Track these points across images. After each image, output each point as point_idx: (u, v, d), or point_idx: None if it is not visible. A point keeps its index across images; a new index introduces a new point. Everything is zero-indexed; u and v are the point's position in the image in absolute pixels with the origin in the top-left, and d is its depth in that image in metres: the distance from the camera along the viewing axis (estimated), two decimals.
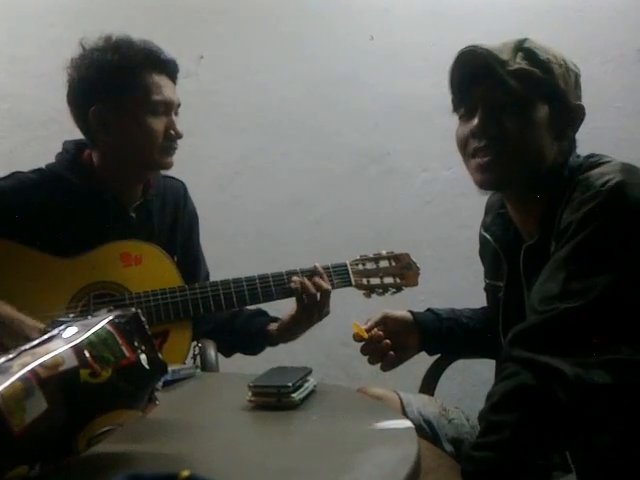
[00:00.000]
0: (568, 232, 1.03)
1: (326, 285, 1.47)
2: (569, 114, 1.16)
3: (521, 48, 1.14)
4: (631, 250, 1.00)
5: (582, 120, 1.18)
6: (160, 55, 1.47)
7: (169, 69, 1.49)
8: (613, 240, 1.01)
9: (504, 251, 1.25)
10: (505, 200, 1.25)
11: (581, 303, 0.97)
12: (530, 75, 1.11)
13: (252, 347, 1.62)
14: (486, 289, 1.37)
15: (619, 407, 0.97)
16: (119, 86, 1.43)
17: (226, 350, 1.63)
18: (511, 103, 1.12)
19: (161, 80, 1.46)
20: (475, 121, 1.14)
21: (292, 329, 1.53)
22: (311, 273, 1.50)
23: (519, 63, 1.12)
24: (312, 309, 1.48)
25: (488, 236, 1.30)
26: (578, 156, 1.18)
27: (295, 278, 1.48)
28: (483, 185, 1.18)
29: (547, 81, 1.13)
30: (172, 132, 1.47)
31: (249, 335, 1.58)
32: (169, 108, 1.47)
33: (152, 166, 1.51)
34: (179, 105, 1.51)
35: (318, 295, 1.46)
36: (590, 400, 0.93)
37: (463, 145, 1.18)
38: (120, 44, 1.45)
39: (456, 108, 1.21)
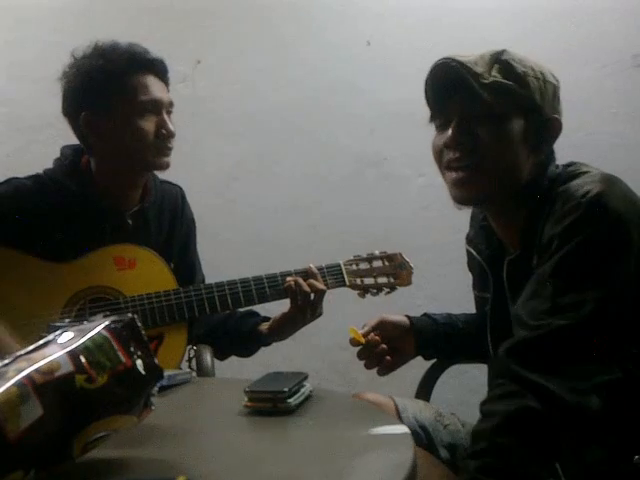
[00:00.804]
0: (552, 246, 1.03)
1: (320, 285, 1.48)
2: (545, 128, 1.15)
3: (497, 60, 1.13)
4: (616, 261, 1.00)
5: (558, 133, 1.16)
6: (145, 55, 1.47)
7: (156, 69, 1.49)
8: (598, 253, 1.00)
9: (488, 264, 1.25)
10: (486, 213, 1.25)
11: (575, 320, 0.96)
12: (505, 88, 1.10)
13: (245, 348, 1.62)
14: (475, 300, 1.37)
15: (610, 424, 0.97)
16: (105, 90, 1.44)
17: (220, 353, 1.63)
18: (485, 116, 1.10)
19: (148, 80, 1.46)
20: (449, 132, 1.13)
21: (284, 328, 1.54)
22: (305, 273, 1.50)
23: (494, 76, 1.10)
24: (305, 309, 1.48)
25: (472, 249, 1.30)
26: (557, 166, 1.17)
27: (289, 277, 1.49)
28: (459, 201, 1.17)
29: (523, 94, 1.11)
30: (164, 131, 1.46)
31: (241, 336, 1.59)
32: (158, 107, 1.47)
33: (147, 167, 1.51)
34: (171, 104, 1.50)
35: (312, 295, 1.47)
36: (585, 424, 0.94)
37: (438, 156, 1.18)
38: (105, 49, 1.46)
39: (433, 118, 1.20)
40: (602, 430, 0.97)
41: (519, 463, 0.90)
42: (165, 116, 1.48)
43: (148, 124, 1.45)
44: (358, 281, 1.56)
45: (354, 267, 1.57)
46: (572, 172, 1.12)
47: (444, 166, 1.17)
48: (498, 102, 1.10)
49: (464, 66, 1.11)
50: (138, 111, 1.44)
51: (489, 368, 1.30)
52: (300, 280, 1.48)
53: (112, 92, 1.44)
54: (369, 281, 1.57)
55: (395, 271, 1.58)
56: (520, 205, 1.15)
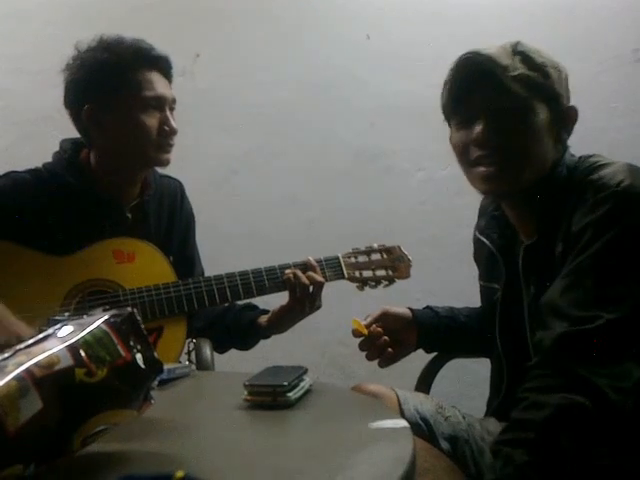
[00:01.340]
0: (585, 235, 1.02)
1: (318, 278, 1.48)
2: (565, 117, 1.16)
3: (517, 52, 1.13)
4: None
5: (576, 121, 1.17)
6: (150, 51, 1.47)
7: (161, 65, 1.48)
8: (635, 243, 1.00)
9: (501, 253, 1.25)
10: (503, 203, 1.24)
11: (622, 312, 0.96)
12: (531, 79, 1.10)
13: (244, 341, 1.62)
14: (481, 291, 1.37)
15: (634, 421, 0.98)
16: (110, 84, 1.43)
17: (219, 346, 1.63)
18: (514, 109, 1.10)
19: (152, 76, 1.46)
20: (478, 129, 1.12)
21: (283, 321, 1.54)
22: (304, 266, 1.50)
23: (519, 68, 1.11)
24: (304, 301, 1.48)
25: (484, 239, 1.30)
26: (572, 155, 1.17)
27: (288, 270, 1.49)
28: (487, 194, 1.17)
29: (546, 85, 1.12)
30: (166, 128, 1.46)
31: (240, 329, 1.59)
32: (162, 104, 1.47)
33: (148, 163, 1.51)
34: (174, 101, 1.50)
35: (310, 287, 1.47)
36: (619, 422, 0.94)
37: (463, 153, 1.16)
38: (110, 43, 1.45)
39: (450, 116, 1.19)
40: (628, 427, 0.97)
41: (566, 459, 0.90)
42: (168, 113, 1.48)
43: (151, 120, 1.45)
44: (357, 274, 1.57)
45: (353, 260, 1.57)
46: (596, 162, 1.12)
47: (472, 163, 1.15)
48: (526, 94, 1.10)
49: (492, 59, 1.10)
50: (142, 107, 1.44)
51: (495, 360, 1.30)
52: (299, 272, 1.48)
53: (116, 86, 1.43)
54: (368, 274, 1.58)
55: (394, 264, 1.59)
56: (538, 193, 1.14)
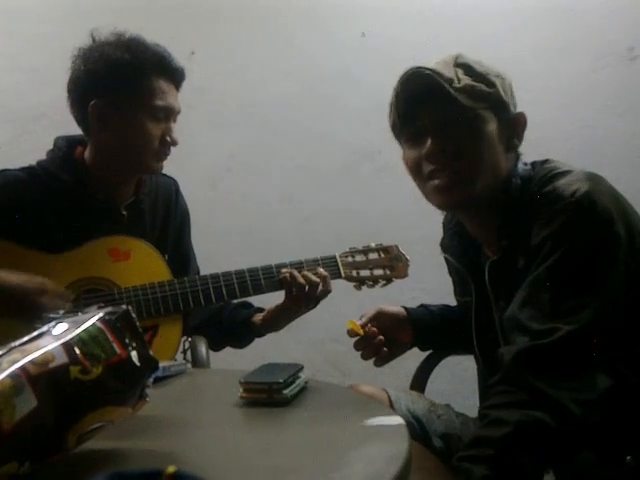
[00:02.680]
0: (544, 248, 1.02)
1: (314, 278, 1.48)
2: (514, 124, 1.15)
3: (458, 64, 1.13)
4: (610, 261, 1.00)
5: (525, 128, 1.17)
6: (171, 62, 1.47)
7: (177, 77, 1.49)
8: (592, 254, 1.00)
9: (467, 269, 1.25)
10: (461, 217, 1.24)
11: (579, 324, 0.96)
12: (476, 90, 1.10)
13: (238, 339, 1.62)
14: (458, 305, 1.38)
15: (603, 426, 0.98)
16: (125, 85, 1.43)
17: (214, 344, 1.63)
18: (462, 120, 1.10)
19: (167, 87, 1.46)
20: (428, 143, 1.12)
21: (278, 319, 1.54)
22: (300, 265, 1.50)
23: (463, 79, 1.11)
24: (300, 301, 1.48)
25: (448, 256, 1.31)
26: (525, 163, 1.17)
27: (284, 269, 1.49)
28: (443, 207, 1.17)
29: (492, 94, 1.12)
30: (168, 139, 1.47)
31: (235, 327, 1.59)
32: (169, 115, 1.47)
33: (142, 169, 1.52)
34: (179, 112, 1.50)
35: (307, 287, 1.47)
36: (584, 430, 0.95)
37: (416, 169, 1.16)
38: (133, 44, 1.45)
39: (399, 134, 1.19)
40: (595, 432, 0.97)
41: (525, 474, 0.90)
42: (172, 124, 1.48)
43: (155, 129, 1.45)
44: (354, 273, 1.56)
45: (350, 259, 1.57)
46: (551, 170, 1.11)
47: (425, 177, 1.15)
48: (472, 104, 1.10)
49: (436, 72, 1.10)
50: (150, 114, 1.44)
51: (480, 367, 1.31)
52: (295, 272, 1.48)
53: (131, 89, 1.43)
54: (365, 273, 1.57)
55: (391, 263, 1.58)
56: (494, 205, 1.14)
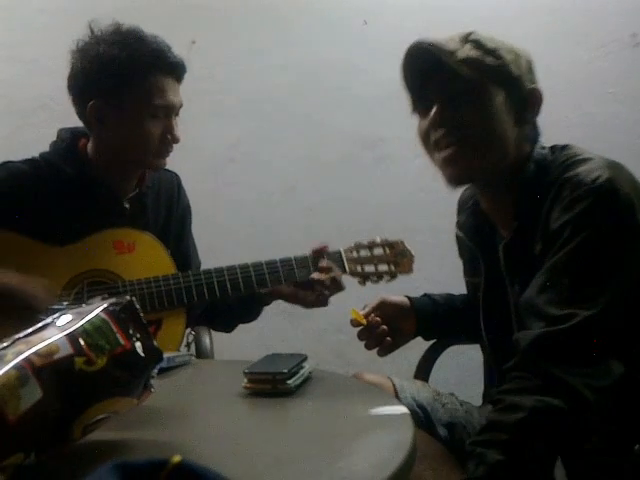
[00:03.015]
0: (563, 234, 1.02)
1: (340, 283, 1.48)
2: (526, 98, 1.15)
3: (468, 40, 1.13)
4: (630, 249, 1.00)
5: (540, 103, 1.16)
6: (169, 57, 1.44)
7: (177, 71, 1.46)
8: (612, 240, 1.00)
9: (480, 248, 1.25)
10: (478, 195, 1.24)
11: (597, 309, 0.96)
12: (480, 62, 1.11)
13: (248, 313, 1.62)
14: (467, 286, 1.37)
15: (611, 415, 0.98)
16: (122, 84, 1.40)
17: (225, 326, 1.63)
18: (466, 92, 1.11)
19: (166, 83, 1.43)
20: (432, 112, 1.13)
21: (283, 298, 1.54)
22: (305, 259, 1.50)
23: (468, 52, 1.11)
24: (309, 296, 1.49)
25: (462, 235, 1.30)
26: (543, 147, 1.17)
27: (322, 275, 1.48)
28: (452, 180, 1.16)
29: (499, 67, 1.12)
30: (169, 136, 1.45)
31: (242, 302, 1.58)
32: (170, 112, 1.45)
33: (142, 166, 1.51)
34: (181, 106, 1.48)
35: (328, 290, 1.47)
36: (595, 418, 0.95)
37: (425, 139, 1.17)
38: (130, 40, 1.41)
39: (415, 107, 1.20)
40: (604, 421, 0.97)
41: (539, 460, 0.90)
42: (173, 120, 1.46)
43: (155, 128, 1.43)
44: (358, 268, 1.55)
45: (354, 254, 1.55)
46: (572, 156, 1.11)
47: (432, 147, 1.16)
48: (476, 77, 1.10)
49: (437, 46, 1.11)
50: (150, 113, 1.42)
51: (485, 351, 1.31)
52: (328, 281, 1.47)
53: (129, 88, 1.41)
54: (370, 269, 1.56)
55: (396, 259, 1.56)
56: (510, 187, 1.14)
